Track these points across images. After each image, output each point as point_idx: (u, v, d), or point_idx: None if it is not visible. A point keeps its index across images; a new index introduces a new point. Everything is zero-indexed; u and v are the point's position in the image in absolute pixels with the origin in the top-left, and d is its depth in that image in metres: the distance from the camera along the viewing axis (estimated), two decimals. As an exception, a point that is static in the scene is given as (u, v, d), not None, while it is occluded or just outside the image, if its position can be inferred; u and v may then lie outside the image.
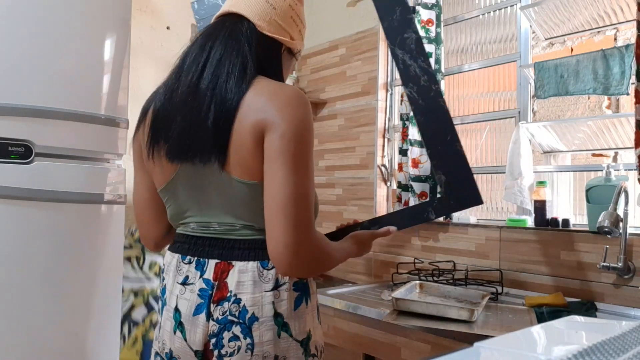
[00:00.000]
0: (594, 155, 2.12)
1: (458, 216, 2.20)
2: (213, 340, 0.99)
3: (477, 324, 1.47)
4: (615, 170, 1.75)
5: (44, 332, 1.43)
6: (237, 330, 0.98)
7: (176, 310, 1.03)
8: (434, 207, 1.20)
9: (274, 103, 0.95)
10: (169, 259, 1.09)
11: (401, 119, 2.33)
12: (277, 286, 1.00)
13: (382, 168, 2.50)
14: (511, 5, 2.15)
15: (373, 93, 2.53)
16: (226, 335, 0.98)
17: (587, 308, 1.60)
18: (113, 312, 1.57)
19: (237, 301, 0.98)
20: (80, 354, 1.49)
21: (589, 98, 2.30)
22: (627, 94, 1.68)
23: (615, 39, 2.07)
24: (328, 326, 1.76)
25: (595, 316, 1.58)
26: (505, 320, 1.54)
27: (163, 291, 1.09)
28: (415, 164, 2.22)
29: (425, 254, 2.22)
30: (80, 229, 1.50)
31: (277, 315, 0.99)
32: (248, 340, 0.98)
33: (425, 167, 2.21)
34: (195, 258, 1.04)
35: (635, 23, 1.58)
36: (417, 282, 1.86)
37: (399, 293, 1.65)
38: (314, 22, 2.88)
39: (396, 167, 2.45)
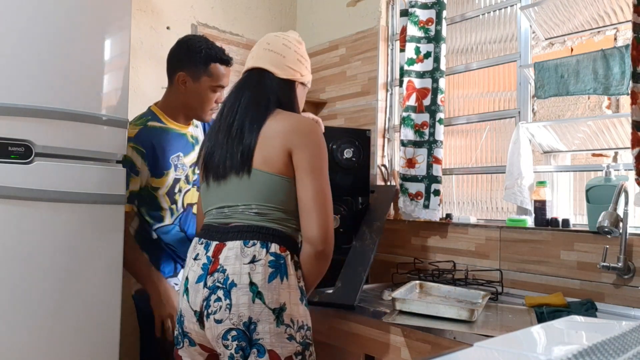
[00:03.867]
0: (594, 155, 2.12)
1: (458, 216, 2.20)
2: (204, 303, 1.28)
3: (477, 324, 1.47)
4: (615, 170, 1.75)
5: (43, 331, 1.43)
6: (220, 293, 1.26)
7: (186, 279, 1.35)
8: None
9: (298, 132, 1.32)
10: (193, 242, 1.41)
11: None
12: (253, 261, 1.26)
13: (382, 168, 2.50)
14: (511, 5, 2.15)
15: (373, 93, 2.53)
16: (213, 297, 1.26)
17: (587, 308, 1.60)
18: (112, 312, 1.57)
19: (223, 271, 1.27)
20: (79, 353, 1.50)
21: (589, 98, 2.30)
22: (627, 94, 1.67)
23: (615, 39, 2.07)
24: (328, 326, 1.76)
25: (595, 316, 1.58)
26: (505, 320, 1.54)
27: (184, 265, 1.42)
28: (412, 164, 2.22)
29: (425, 254, 2.22)
30: (80, 229, 1.50)
31: (252, 284, 1.25)
32: (227, 301, 1.24)
33: (422, 166, 2.20)
34: (205, 240, 1.35)
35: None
36: (417, 282, 1.86)
37: (399, 293, 1.65)
38: (314, 21, 2.88)
39: (396, 167, 2.45)
